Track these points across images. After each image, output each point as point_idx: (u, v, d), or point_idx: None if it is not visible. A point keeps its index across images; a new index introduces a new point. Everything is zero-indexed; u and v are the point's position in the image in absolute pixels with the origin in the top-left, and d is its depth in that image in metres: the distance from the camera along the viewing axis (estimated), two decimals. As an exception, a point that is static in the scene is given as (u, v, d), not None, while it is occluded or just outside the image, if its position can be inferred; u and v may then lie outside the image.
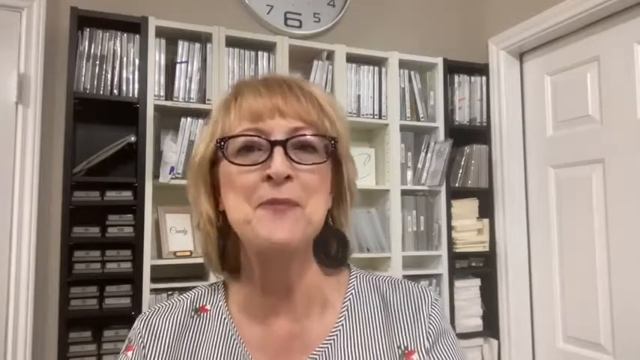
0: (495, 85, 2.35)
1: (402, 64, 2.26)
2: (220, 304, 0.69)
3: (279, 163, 0.57)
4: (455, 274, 2.24)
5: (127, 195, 1.80)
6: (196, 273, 1.95)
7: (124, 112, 1.85)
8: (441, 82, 2.29)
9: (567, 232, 2.09)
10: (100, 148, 1.81)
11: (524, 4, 2.21)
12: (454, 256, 2.24)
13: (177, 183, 1.86)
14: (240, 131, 0.60)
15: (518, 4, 2.24)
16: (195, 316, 0.68)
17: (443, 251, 2.22)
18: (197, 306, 0.69)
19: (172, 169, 1.84)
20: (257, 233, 0.58)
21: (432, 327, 0.66)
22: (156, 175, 1.84)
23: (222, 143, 0.60)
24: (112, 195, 1.78)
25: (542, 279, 2.21)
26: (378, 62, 2.24)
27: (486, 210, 2.33)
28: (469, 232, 2.29)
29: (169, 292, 1.83)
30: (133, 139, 1.83)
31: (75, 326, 1.72)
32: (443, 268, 2.20)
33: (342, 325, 0.66)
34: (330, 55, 2.15)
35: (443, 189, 2.24)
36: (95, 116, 1.86)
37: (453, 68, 2.34)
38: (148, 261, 1.78)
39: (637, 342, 1.78)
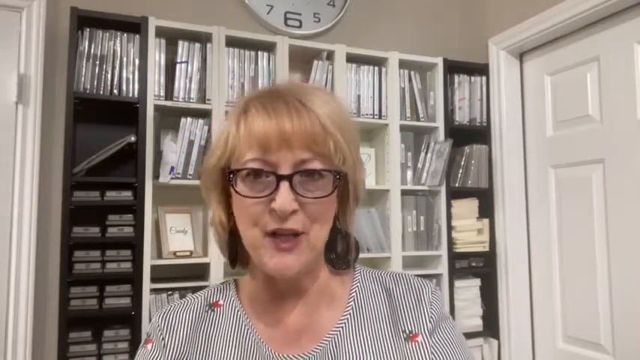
0: (495, 85, 2.35)
1: (402, 64, 2.26)
2: (232, 298, 0.73)
3: (284, 198, 0.60)
4: (455, 274, 2.24)
5: (127, 195, 1.80)
6: (196, 273, 1.95)
7: (124, 112, 1.85)
8: (441, 82, 2.29)
9: (567, 232, 2.09)
10: (100, 148, 1.81)
11: (524, 4, 2.21)
12: (454, 256, 2.24)
13: (177, 183, 1.86)
14: (248, 160, 0.62)
15: (518, 4, 2.24)
16: (210, 310, 0.72)
17: (443, 251, 2.22)
18: (211, 301, 0.73)
19: (172, 169, 1.84)
20: (264, 263, 0.63)
21: (433, 312, 0.70)
22: (156, 175, 1.84)
23: (231, 176, 0.63)
24: (112, 195, 1.78)
25: (542, 279, 2.21)
26: (378, 62, 2.24)
27: (486, 210, 2.33)
28: (469, 232, 2.29)
29: (169, 292, 1.83)
30: (133, 139, 1.83)
31: (75, 326, 1.72)
32: (443, 268, 2.20)
33: (350, 314, 0.70)
34: (330, 55, 2.15)
35: (443, 189, 2.24)
36: (95, 116, 1.86)
37: (453, 68, 2.34)
38: (148, 261, 1.78)
39: (637, 342, 1.78)
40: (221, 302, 0.73)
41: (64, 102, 1.77)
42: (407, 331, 0.69)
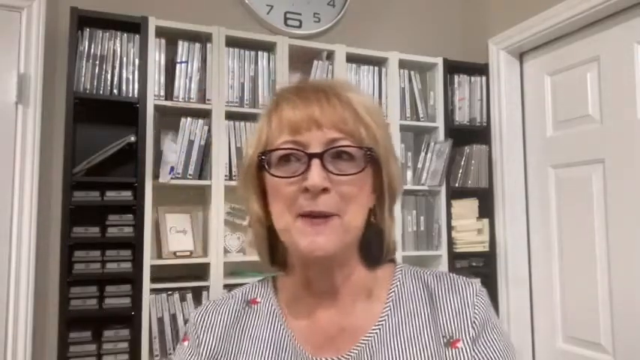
0: (495, 85, 2.35)
1: (402, 64, 2.26)
2: (270, 296, 0.73)
3: (315, 175, 0.60)
4: (455, 274, 2.23)
5: (127, 195, 1.80)
6: (196, 273, 1.95)
7: (124, 112, 1.85)
8: (441, 82, 2.29)
9: (567, 232, 2.09)
10: (100, 148, 1.81)
11: (524, 4, 2.21)
12: (454, 256, 2.24)
13: (177, 183, 1.86)
14: (279, 143, 0.63)
15: (518, 4, 2.24)
16: (247, 307, 0.72)
17: (443, 251, 2.22)
18: (248, 298, 0.73)
19: (172, 169, 1.84)
20: (296, 243, 0.62)
21: (477, 316, 0.67)
22: (156, 175, 1.84)
23: (264, 157, 0.64)
24: (112, 195, 1.78)
25: (542, 279, 2.21)
26: (378, 62, 2.24)
27: (486, 210, 2.33)
28: (469, 232, 2.29)
29: (169, 292, 1.83)
30: (133, 139, 1.83)
31: (75, 326, 1.72)
32: (443, 268, 2.20)
33: (388, 315, 0.68)
34: (330, 55, 2.15)
35: (443, 189, 2.24)
36: (95, 116, 1.86)
37: (453, 68, 2.34)
38: (148, 261, 1.78)
39: (637, 342, 1.78)
40: (259, 299, 0.72)
41: (64, 102, 1.77)
42: (447, 336, 0.65)
